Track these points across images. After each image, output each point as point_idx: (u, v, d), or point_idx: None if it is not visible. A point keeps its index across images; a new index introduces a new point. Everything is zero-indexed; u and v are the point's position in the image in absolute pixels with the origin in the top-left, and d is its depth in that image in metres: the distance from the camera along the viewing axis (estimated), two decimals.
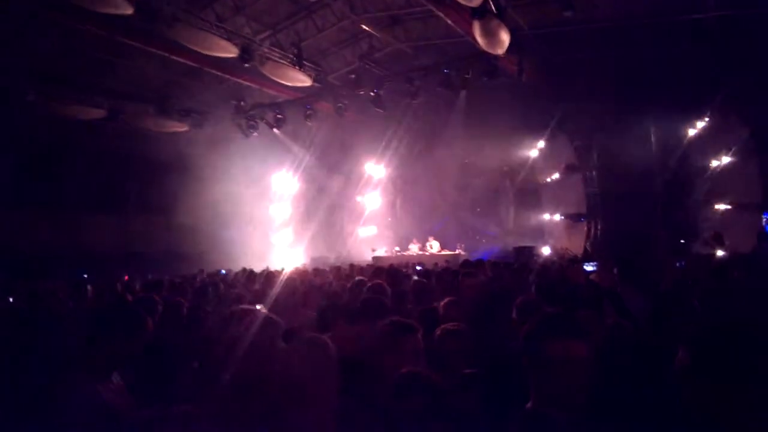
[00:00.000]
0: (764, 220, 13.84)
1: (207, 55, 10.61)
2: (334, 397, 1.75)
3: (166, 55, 11.33)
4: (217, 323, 2.10)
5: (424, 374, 1.94)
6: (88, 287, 5.94)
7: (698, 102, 13.69)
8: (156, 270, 12.14)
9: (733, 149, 14.19)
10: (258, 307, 2.19)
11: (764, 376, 1.19)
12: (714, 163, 14.62)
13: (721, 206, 14.72)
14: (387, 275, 5.57)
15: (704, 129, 14.55)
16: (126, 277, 9.97)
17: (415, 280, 5.91)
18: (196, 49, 10.09)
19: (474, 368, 2.43)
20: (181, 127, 14.54)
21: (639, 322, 2.93)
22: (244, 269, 10.55)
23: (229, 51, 10.43)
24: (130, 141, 14.63)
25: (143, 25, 9.25)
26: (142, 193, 15.79)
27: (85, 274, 10.55)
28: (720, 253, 12.98)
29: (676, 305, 2.75)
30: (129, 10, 8.31)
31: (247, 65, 11.04)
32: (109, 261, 12.84)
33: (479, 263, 7.76)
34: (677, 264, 8.60)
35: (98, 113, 12.87)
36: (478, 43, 9.31)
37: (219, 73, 12.92)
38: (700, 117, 14.39)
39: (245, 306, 2.46)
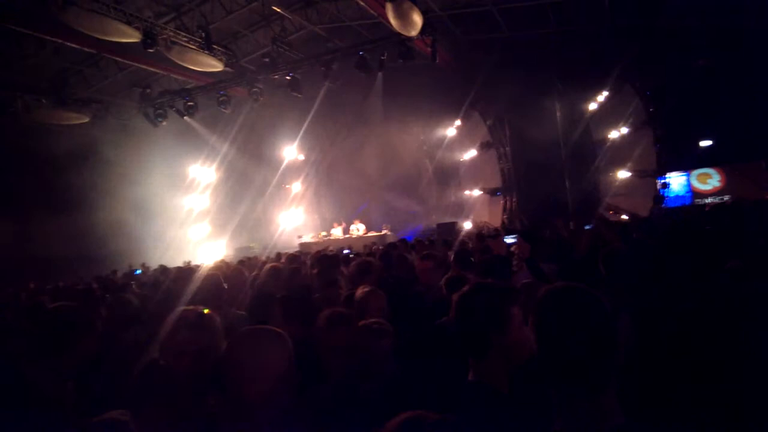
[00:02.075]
0: (659, 184, 15.30)
1: (105, 41, 9.84)
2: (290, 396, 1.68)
3: (60, 41, 10.38)
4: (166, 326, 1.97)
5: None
6: None
7: (598, 77, 14.74)
8: (65, 275, 11.27)
9: (629, 121, 15.51)
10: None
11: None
12: (613, 134, 15.92)
13: (620, 174, 16.10)
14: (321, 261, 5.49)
15: (603, 102, 15.76)
16: (31, 285, 9.20)
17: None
18: (92, 34, 9.31)
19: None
20: (82, 119, 13.41)
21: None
22: (161, 266, 10.11)
23: (129, 35, 9.71)
24: (25, 135, 13.31)
25: (33, 10, 8.40)
26: (41, 192, 14.44)
27: None
28: (623, 216, 14.23)
29: (585, 269, 3.04)
30: None
31: (150, 50, 10.37)
32: (4, 267, 11.64)
33: (405, 243, 8.01)
34: (585, 227, 9.28)
35: None
36: (392, 25, 9.38)
37: (120, 59, 12.06)
38: (599, 91, 15.55)
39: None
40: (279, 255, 10.18)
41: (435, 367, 2.15)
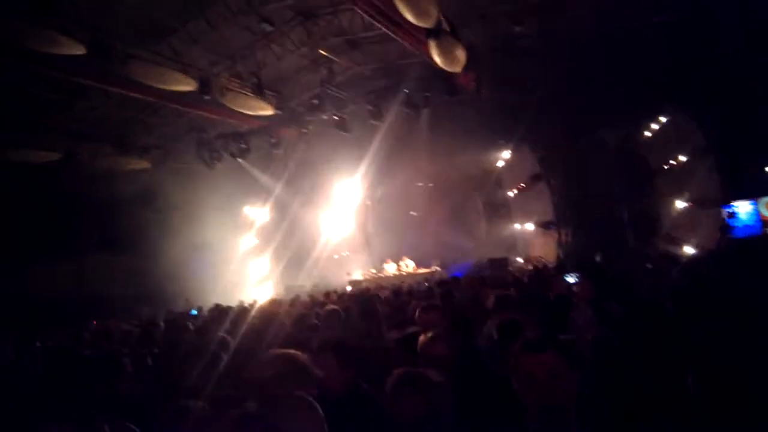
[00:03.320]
0: (724, 213, 14.36)
1: (164, 90, 10.44)
2: None
3: (122, 92, 11.09)
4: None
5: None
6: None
7: (651, 105, 14.22)
8: (122, 313, 11.67)
9: (688, 148, 14.78)
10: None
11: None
12: (671, 162, 15.18)
13: (680, 203, 15.25)
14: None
15: (659, 131, 15.13)
16: (94, 323, 9.55)
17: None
18: (152, 84, 9.91)
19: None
20: (142, 164, 14.21)
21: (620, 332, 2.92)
22: (217, 305, 10.27)
23: (187, 84, 10.27)
24: (89, 182, 14.18)
25: (97, 64, 9.04)
26: (103, 234, 15.20)
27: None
28: (687, 250, 13.39)
29: (653, 312, 2.78)
30: (81, 50, 8.14)
31: (206, 97, 10.90)
32: (64, 307, 12.20)
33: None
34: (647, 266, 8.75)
35: (53, 156, 12.47)
36: (436, 62, 9.45)
37: (178, 107, 12.73)
38: (654, 119, 14.97)
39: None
40: (327, 294, 10.14)
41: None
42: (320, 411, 1.69)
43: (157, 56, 9.67)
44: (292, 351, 1.94)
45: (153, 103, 12.30)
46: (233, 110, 12.13)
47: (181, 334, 5.80)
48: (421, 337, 2.61)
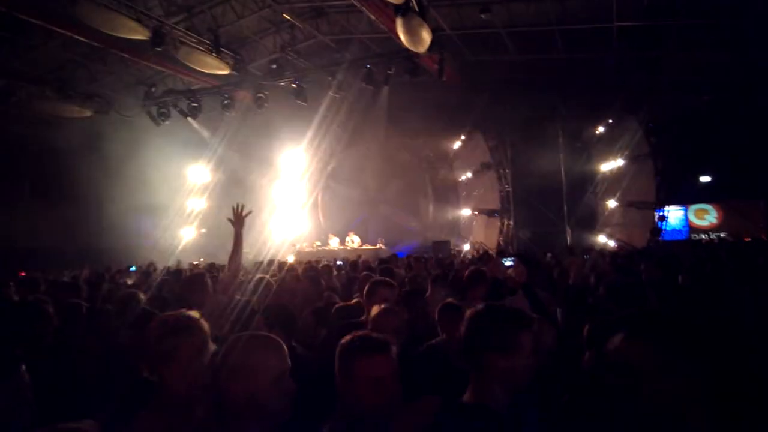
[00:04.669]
0: (656, 216, 15.33)
1: (114, 36, 9.82)
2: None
3: (68, 33, 10.32)
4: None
5: None
6: None
7: (602, 105, 14.82)
8: (57, 268, 11.09)
9: (628, 151, 15.58)
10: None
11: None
12: (613, 164, 15.97)
13: (614, 203, 16.15)
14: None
15: (605, 131, 15.84)
16: (22, 273, 9.03)
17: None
18: (101, 29, 9.29)
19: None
20: (84, 113, 13.35)
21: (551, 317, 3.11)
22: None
23: (138, 33, 9.70)
24: (25, 125, 13.22)
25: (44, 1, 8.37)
26: (40, 183, 14.29)
27: None
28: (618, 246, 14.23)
29: (580, 300, 2.98)
30: None
31: (158, 49, 10.36)
32: None
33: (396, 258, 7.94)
34: (584, 256, 9.27)
35: None
36: (401, 41, 9.42)
37: (127, 56, 12.04)
38: (602, 120, 15.63)
39: None
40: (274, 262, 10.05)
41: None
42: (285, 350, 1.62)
43: (111, 0, 9.04)
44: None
45: (100, 49, 11.57)
46: (186, 66, 11.62)
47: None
48: (374, 308, 2.69)
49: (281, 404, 1.53)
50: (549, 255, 9.99)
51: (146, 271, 9.23)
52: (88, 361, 2.68)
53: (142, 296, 3.71)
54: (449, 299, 3.17)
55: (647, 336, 1.21)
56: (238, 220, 3.71)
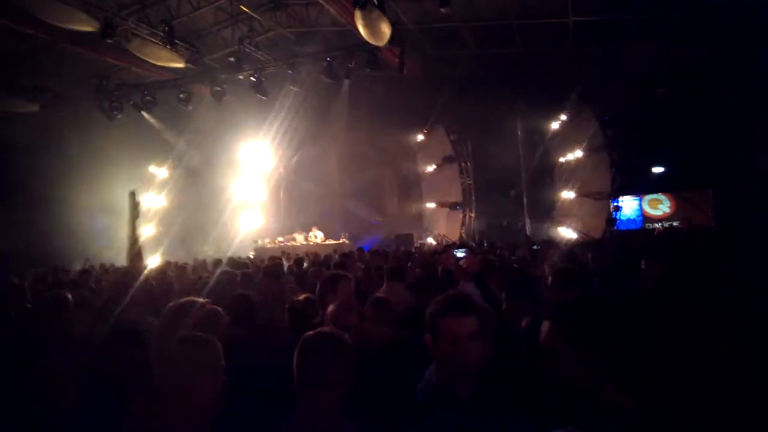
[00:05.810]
0: (612, 207, 15.84)
1: (61, 28, 9.41)
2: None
3: (11, 25, 9.84)
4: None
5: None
6: None
7: (559, 98, 15.18)
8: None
9: (585, 144, 16.03)
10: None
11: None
12: (570, 156, 16.40)
13: (572, 194, 16.60)
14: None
15: (563, 124, 16.24)
16: None
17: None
18: (47, 20, 8.90)
19: None
20: (30, 108, 12.75)
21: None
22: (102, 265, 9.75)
23: (87, 24, 9.33)
24: None
25: None
26: None
27: None
28: (573, 235, 14.61)
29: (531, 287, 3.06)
30: None
31: (109, 41, 9.99)
32: None
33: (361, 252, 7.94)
34: (534, 247, 9.46)
35: None
36: (360, 34, 9.38)
37: (77, 49, 11.56)
38: (560, 113, 16.01)
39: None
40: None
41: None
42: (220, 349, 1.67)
43: None
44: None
45: (46, 41, 11.06)
46: (139, 58, 11.25)
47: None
48: (331, 307, 2.66)
49: (215, 400, 1.57)
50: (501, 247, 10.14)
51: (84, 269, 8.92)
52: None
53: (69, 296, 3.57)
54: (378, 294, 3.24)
55: (558, 321, 1.29)
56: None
